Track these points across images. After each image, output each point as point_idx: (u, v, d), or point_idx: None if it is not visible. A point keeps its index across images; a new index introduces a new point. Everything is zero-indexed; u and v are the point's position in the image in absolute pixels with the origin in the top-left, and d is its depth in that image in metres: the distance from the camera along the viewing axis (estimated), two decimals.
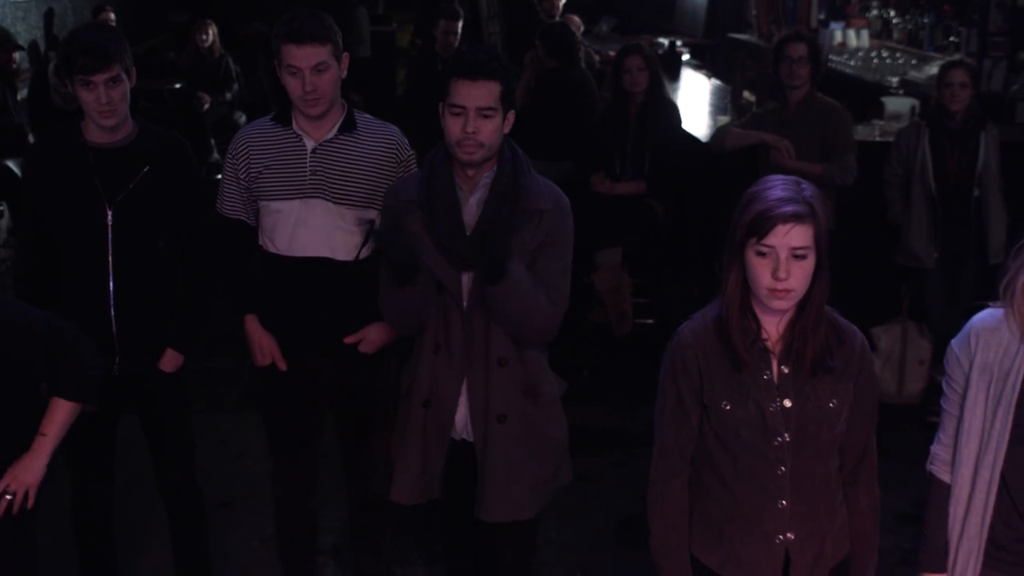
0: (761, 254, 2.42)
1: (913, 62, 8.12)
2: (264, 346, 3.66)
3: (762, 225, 2.39)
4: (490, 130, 3.02)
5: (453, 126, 3.02)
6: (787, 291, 2.41)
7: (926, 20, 8.40)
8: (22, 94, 8.15)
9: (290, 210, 3.51)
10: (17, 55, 7.87)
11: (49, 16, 9.80)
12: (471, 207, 3.12)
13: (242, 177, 3.56)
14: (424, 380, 3.25)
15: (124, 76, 3.36)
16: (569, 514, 4.85)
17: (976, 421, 2.60)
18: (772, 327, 2.54)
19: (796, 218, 2.39)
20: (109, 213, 3.44)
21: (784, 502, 2.56)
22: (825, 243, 2.45)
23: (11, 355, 2.93)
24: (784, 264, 2.39)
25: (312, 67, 3.37)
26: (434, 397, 3.25)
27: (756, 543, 2.59)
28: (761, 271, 2.42)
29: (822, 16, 9.60)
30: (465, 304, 3.16)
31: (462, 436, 3.28)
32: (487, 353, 3.18)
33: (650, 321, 6.47)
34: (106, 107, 3.34)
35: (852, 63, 8.48)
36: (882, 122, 6.50)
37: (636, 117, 6.24)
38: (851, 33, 8.96)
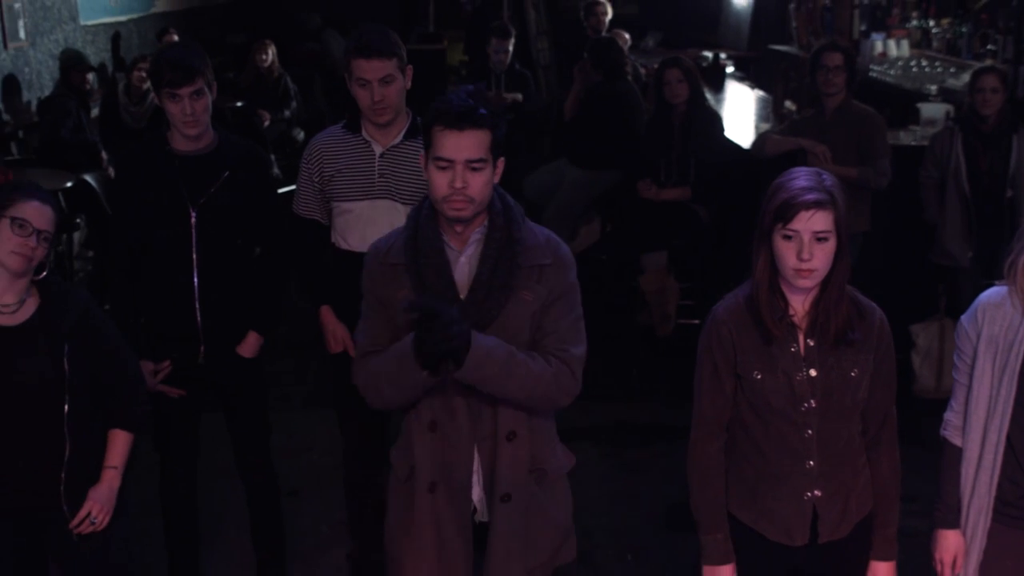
0: (787, 238, 2.69)
1: (951, 70, 8.26)
2: (338, 334, 3.99)
3: (787, 211, 2.66)
4: (480, 183, 2.73)
5: (439, 181, 2.73)
6: (811, 271, 2.68)
7: (964, 29, 8.54)
8: (94, 113, 8.52)
9: (360, 210, 3.83)
10: (90, 76, 8.24)
11: (116, 39, 10.19)
12: (462, 266, 2.83)
13: (315, 180, 3.88)
14: (424, 462, 2.91)
15: (207, 90, 3.69)
16: (620, 501, 5.13)
17: (984, 389, 2.85)
18: (798, 304, 2.80)
19: (818, 205, 2.65)
20: (193, 214, 3.74)
21: (811, 463, 2.82)
22: (845, 228, 2.71)
23: (100, 381, 3.21)
24: (808, 246, 2.66)
25: (380, 79, 3.69)
26: (442, 480, 2.90)
27: (787, 500, 2.85)
28: (787, 253, 2.69)
29: (864, 27, 9.71)
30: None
31: (482, 519, 2.96)
32: (495, 427, 2.88)
33: (696, 322, 6.70)
34: (190, 118, 3.66)
35: (892, 72, 8.63)
36: (918, 127, 6.69)
37: (678, 127, 6.49)
38: (891, 43, 9.09)
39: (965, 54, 8.37)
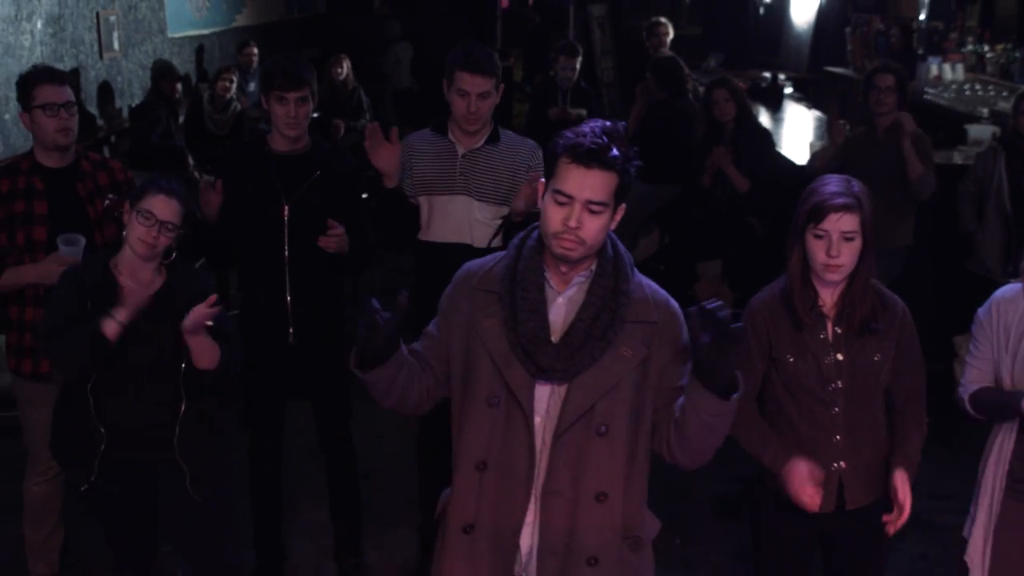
0: (818, 236, 3.04)
1: (1004, 94, 8.46)
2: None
3: (818, 213, 3.02)
4: (597, 228, 2.57)
5: (554, 215, 2.57)
6: (839, 266, 3.03)
7: (1017, 54, 8.78)
8: (181, 120, 8.98)
9: (441, 203, 4.23)
10: (179, 85, 8.71)
11: (200, 51, 10.68)
12: (559, 307, 2.67)
13: (408, 167, 4.27)
14: (465, 501, 2.75)
15: (310, 98, 4.10)
16: (671, 494, 5.43)
17: (990, 372, 3.17)
18: (827, 296, 3.15)
19: (846, 208, 3.00)
20: (286, 208, 4.13)
21: (838, 437, 3.16)
22: (871, 229, 3.05)
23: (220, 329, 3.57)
24: (836, 244, 3.01)
25: (478, 93, 4.08)
26: (483, 523, 2.73)
27: None
28: (818, 250, 3.04)
29: (921, 51, 9.93)
30: (538, 419, 2.67)
31: (524, 574, 2.77)
32: (577, 485, 2.67)
33: None
34: (293, 120, 4.07)
35: (946, 95, 8.85)
36: (965, 148, 6.96)
37: (728, 143, 6.81)
38: (947, 67, 9.27)
39: (1018, 79, 8.56)
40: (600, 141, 2.53)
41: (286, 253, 4.16)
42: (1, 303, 4.15)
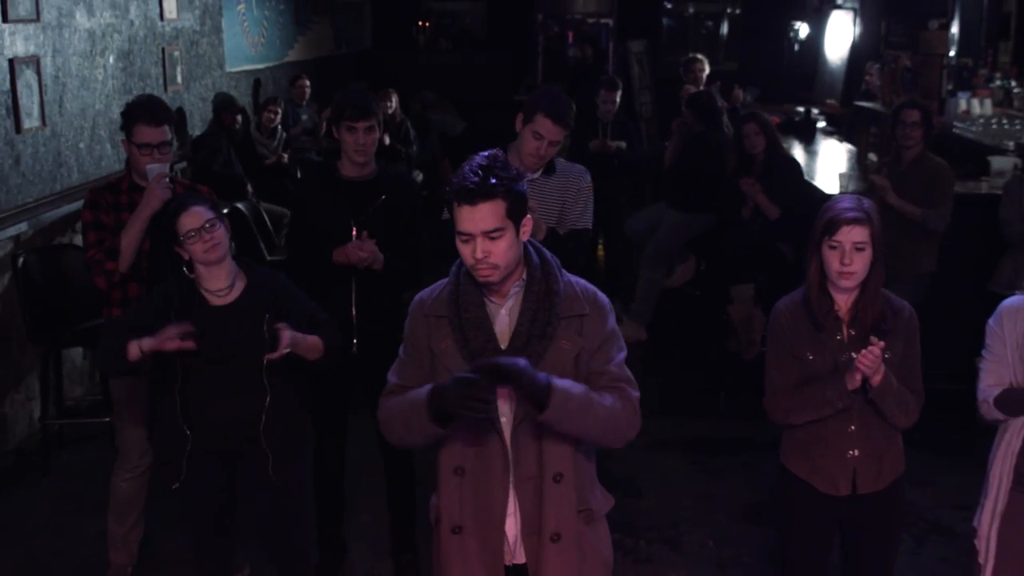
0: (832, 247, 3.40)
1: None
2: None
3: (832, 226, 3.38)
4: (502, 249, 2.84)
5: (464, 252, 2.87)
6: (851, 274, 3.39)
7: None
8: None
9: None
10: (239, 117, 9.16)
11: (256, 84, 11.14)
12: (503, 318, 2.95)
13: None
14: (450, 505, 3.02)
15: (377, 128, 4.49)
16: (706, 500, 5.79)
17: (1007, 376, 3.50)
18: (842, 302, 3.50)
19: (856, 221, 3.37)
20: (354, 229, 4.52)
21: (853, 427, 3.51)
22: (880, 241, 3.40)
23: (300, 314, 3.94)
24: (849, 254, 3.37)
25: (551, 141, 4.41)
26: (468, 523, 3.00)
27: (832, 458, 3.54)
28: (833, 260, 3.40)
29: (950, 87, 10.19)
30: (504, 420, 2.95)
31: (514, 560, 3.06)
32: (541, 470, 2.96)
33: None
34: (361, 147, 4.47)
35: (974, 129, 9.11)
36: (989, 179, 7.28)
37: (759, 174, 7.16)
38: (975, 102, 9.51)
39: None
40: (476, 177, 2.81)
41: (354, 269, 4.53)
42: (106, 306, 4.60)
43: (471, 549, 3.00)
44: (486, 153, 2.92)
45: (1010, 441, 3.55)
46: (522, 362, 2.75)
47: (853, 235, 3.37)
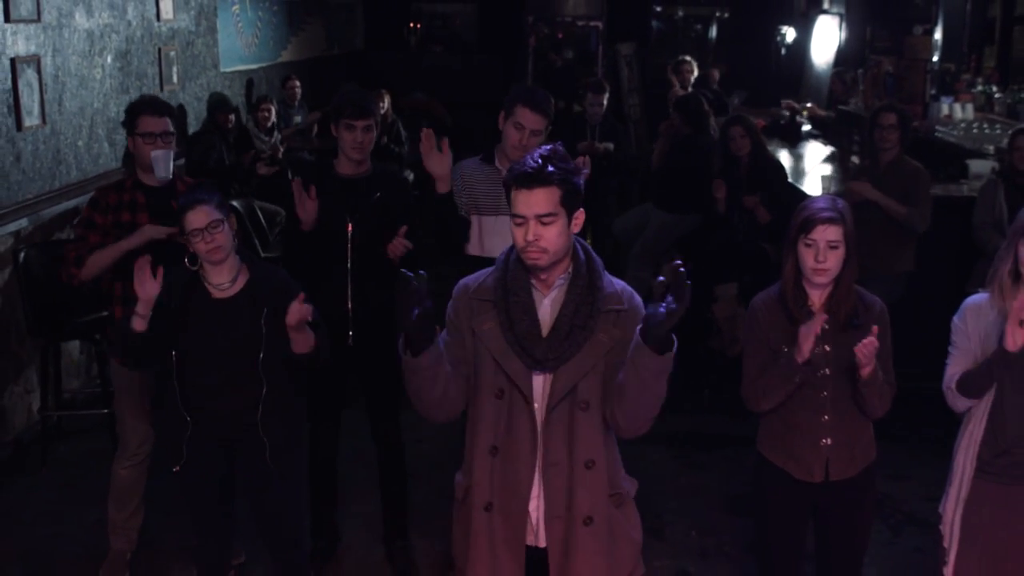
0: (807, 245, 3.56)
1: (1009, 132, 8.90)
2: None
3: (808, 225, 3.55)
4: (553, 235, 2.98)
5: (517, 235, 3.01)
6: (825, 270, 3.56)
7: (1023, 95, 9.28)
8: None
9: (489, 223, 4.73)
10: (232, 116, 9.30)
11: (249, 84, 11.29)
12: (545, 307, 3.08)
13: (463, 195, 4.75)
14: (483, 483, 3.15)
15: (374, 127, 4.64)
16: (689, 492, 5.96)
17: (970, 367, 3.66)
18: (816, 297, 3.67)
19: (831, 220, 3.53)
20: (349, 224, 4.66)
21: (826, 417, 3.68)
22: (853, 240, 3.57)
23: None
24: (823, 251, 3.53)
25: (532, 130, 4.54)
26: (497, 501, 3.14)
27: (806, 445, 3.71)
28: (807, 257, 3.57)
29: (933, 91, 10.33)
30: (537, 405, 3.08)
31: (532, 542, 3.18)
32: (571, 455, 3.09)
33: None
34: (358, 145, 4.62)
35: (955, 133, 9.24)
36: (967, 181, 7.44)
37: (744, 177, 7.30)
38: (957, 107, 9.63)
39: (1023, 118, 9.03)
40: (536, 164, 2.97)
41: (349, 264, 4.69)
42: (109, 303, 4.74)
43: (497, 526, 3.14)
44: (548, 146, 3.06)
45: (972, 431, 3.71)
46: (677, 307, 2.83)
47: (827, 234, 3.54)
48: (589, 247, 3.18)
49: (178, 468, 4.08)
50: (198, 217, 3.92)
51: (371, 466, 5.24)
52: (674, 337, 2.91)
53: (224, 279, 4.01)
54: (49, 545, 5.29)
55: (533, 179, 2.96)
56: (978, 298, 3.72)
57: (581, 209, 3.06)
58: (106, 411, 6.04)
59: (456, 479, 3.33)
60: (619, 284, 3.15)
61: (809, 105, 11.52)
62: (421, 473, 5.87)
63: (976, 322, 3.67)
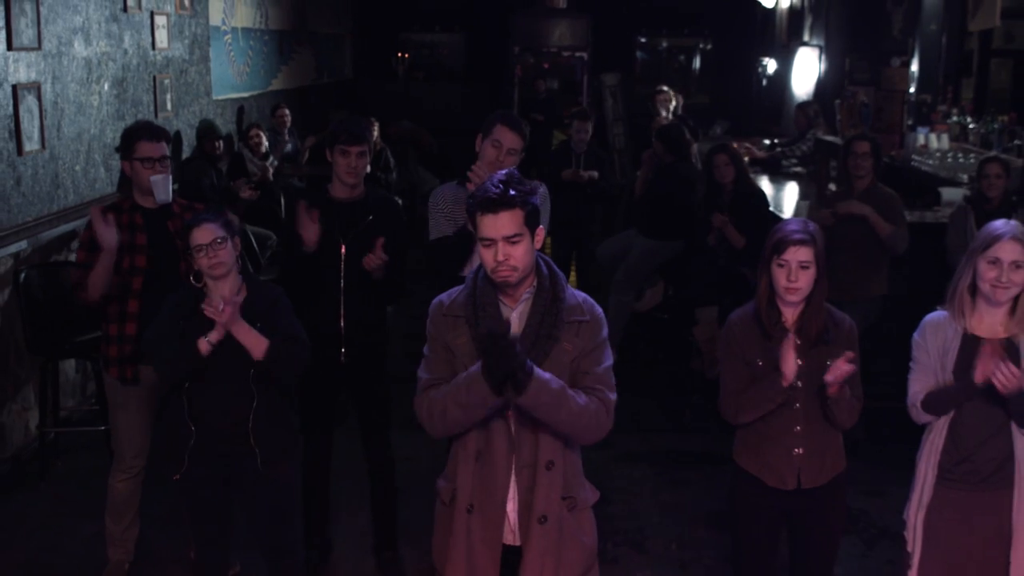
0: (780, 265, 3.77)
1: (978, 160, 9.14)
2: None
3: (780, 247, 3.76)
4: (520, 253, 3.18)
5: (487, 256, 3.20)
6: (797, 289, 3.76)
7: (996, 125, 9.52)
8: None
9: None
10: (219, 143, 9.48)
11: (240, 112, 11.51)
12: (513, 320, 3.25)
13: (448, 216, 4.84)
14: (466, 486, 3.34)
15: (368, 153, 4.84)
16: (669, 507, 6.14)
17: (932, 382, 3.87)
18: (789, 314, 3.87)
19: (802, 242, 3.74)
20: (343, 246, 4.85)
21: (798, 428, 3.87)
22: (823, 260, 3.77)
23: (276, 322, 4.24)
24: (795, 271, 3.74)
25: (509, 148, 4.67)
26: (477, 502, 3.33)
27: (779, 455, 3.91)
28: (780, 276, 3.77)
29: (910, 122, 10.54)
30: (510, 412, 3.27)
31: (512, 541, 3.37)
32: (536, 457, 3.29)
33: None
34: (352, 170, 4.81)
35: (930, 162, 9.46)
36: (940, 208, 7.67)
37: (728, 204, 7.49)
38: (932, 136, 9.83)
39: (996, 147, 9.21)
40: (498, 189, 3.17)
41: (342, 284, 4.87)
42: (104, 320, 4.91)
43: (475, 527, 3.33)
44: (504, 171, 3.28)
45: (934, 440, 3.91)
46: (515, 337, 3.05)
47: (799, 255, 3.75)
48: (552, 262, 3.39)
49: (178, 476, 4.25)
50: (203, 234, 4.13)
51: (361, 482, 5.42)
52: (530, 371, 3.09)
53: (225, 295, 4.19)
54: (49, 556, 5.45)
55: (498, 203, 3.16)
56: (937, 315, 3.93)
57: (540, 227, 3.27)
58: (103, 428, 6.21)
59: (439, 484, 3.52)
60: (580, 296, 3.35)
61: (748, 146, 11.73)
62: (409, 489, 6.01)
63: (935, 338, 3.87)
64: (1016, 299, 3.80)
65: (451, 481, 3.43)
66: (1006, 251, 3.74)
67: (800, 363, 3.80)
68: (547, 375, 3.14)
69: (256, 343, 4.14)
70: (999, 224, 3.84)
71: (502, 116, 4.78)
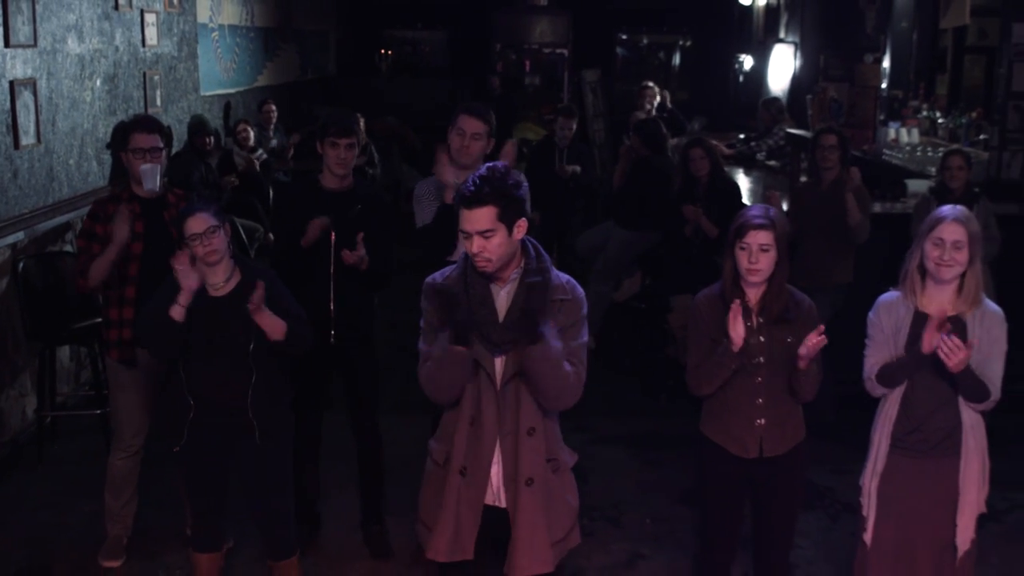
0: (742, 248, 4.02)
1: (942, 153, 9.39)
2: None
3: (742, 231, 4.01)
4: (494, 246, 3.37)
5: (467, 246, 3.43)
6: (758, 271, 4.01)
7: (964, 120, 9.80)
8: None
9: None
10: (210, 139, 9.69)
11: (227, 107, 11.72)
12: (502, 298, 3.49)
13: (430, 203, 5.11)
14: (460, 450, 3.58)
15: (357, 145, 5.07)
16: (645, 486, 6.39)
17: (886, 357, 4.13)
18: (752, 294, 4.12)
19: (762, 226, 3.99)
20: (333, 235, 5.07)
21: (760, 400, 4.13)
22: (784, 243, 4.02)
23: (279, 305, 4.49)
24: (755, 254, 3.99)
25: (472, 133, 4.93)
26: (470, 466, 3.59)
27: (742, 425, 4.16)
28: (742, 259, 4.03)
29: (882, 117, 10.79)
30: (498, 382, 3.53)
31: (494, 502, 3.63)
32: (518, 424, 3.55)
33: None
34: (342, 161, 5.04)
35: (900, 156, 9.73)
36: (906, 199, 7.94)
37: (703, 196, 7.73)
38: (903, 131, 10.09)
39: (964, 141, 9.46)
40: (474, 187, 3.37)
41: (332, 270, 5.09)
42: (104, 306, 5.15)
43: (463, 487, 3.60)
44: (487, 167, 3.46)
45: (888, 410, 4.18)
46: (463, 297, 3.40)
47: (759, 238, 4.00)
48: (539, 245, 3.59)
49: (178, 448, 4.50)
50: (197, 223, 4.36)
51: (350, 463, 5.65)
52: (543, 331, 3.38)
53: (219, 279, 4.44)
54: (50, 532, 5.68)
55: (471, 200, 3.37)
56: (890, 295, 4.20)
57: (523, 219, 3.46)
58: (99, 412, 6.45)
59: (431, 445, 3.78)
60: (564, 277, 3.58)
61: (715, 143, 12.02)
62: (395, 470, 6.23)
63: (888, 316, 4.14)
64: (962, 278, 4.06)
65: (444, 443, 3.67)
66: (949, 232, 4.01)
67: (762, 340, 4.05)
68: (557, 341, 3.42)
69: (275, 326, 4.39)
70: (945, 208, 4.13)
71: (463, 106, 5.03)
